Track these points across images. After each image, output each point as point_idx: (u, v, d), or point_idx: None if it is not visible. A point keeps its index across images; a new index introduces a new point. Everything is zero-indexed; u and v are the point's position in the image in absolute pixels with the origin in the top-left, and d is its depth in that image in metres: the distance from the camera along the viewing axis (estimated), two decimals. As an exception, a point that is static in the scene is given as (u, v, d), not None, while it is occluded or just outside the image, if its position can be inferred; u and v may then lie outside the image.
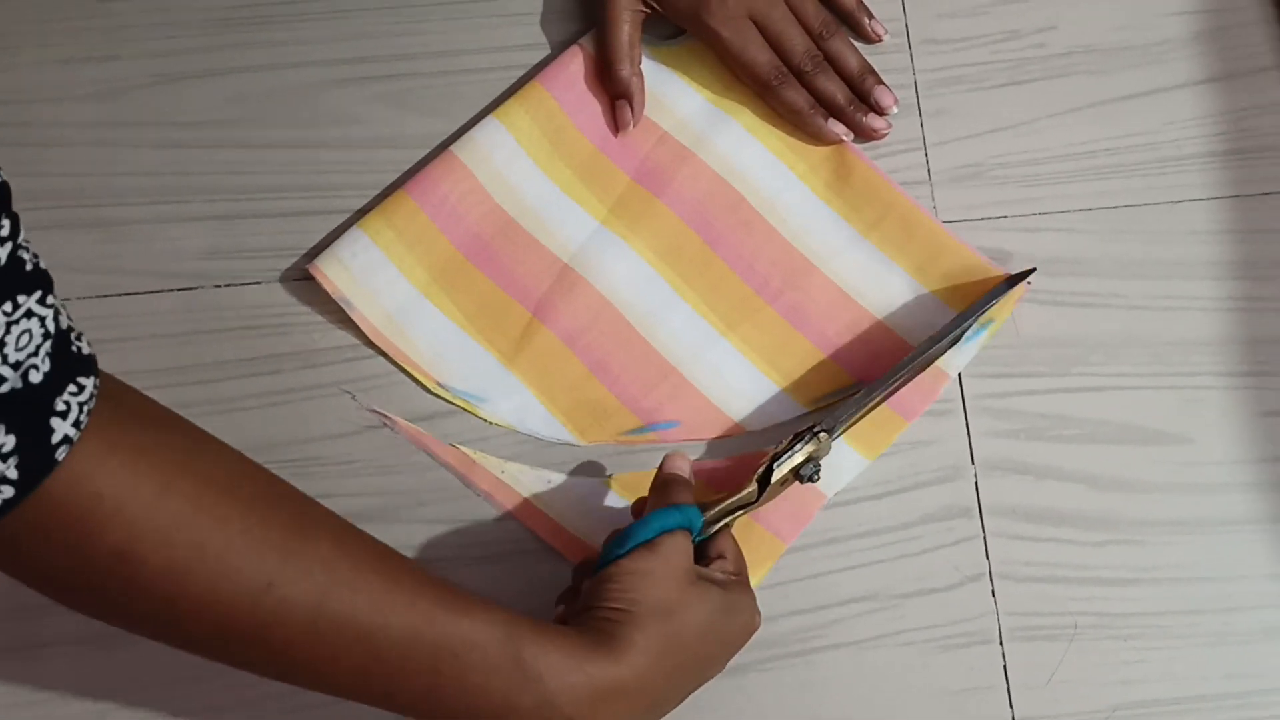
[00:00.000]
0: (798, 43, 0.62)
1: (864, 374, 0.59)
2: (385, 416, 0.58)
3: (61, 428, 0.38)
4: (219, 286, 0.60)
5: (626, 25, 0.61)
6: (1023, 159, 0.62)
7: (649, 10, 0.62)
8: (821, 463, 0.53)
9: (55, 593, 0.42)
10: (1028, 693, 0.55)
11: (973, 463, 0.58)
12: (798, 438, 0.53)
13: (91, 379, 0.39)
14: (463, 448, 0.58)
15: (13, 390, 0.37)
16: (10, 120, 0.63)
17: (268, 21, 0.65)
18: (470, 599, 0.45)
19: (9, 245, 0.37)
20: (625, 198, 0.62)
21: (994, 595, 0.56)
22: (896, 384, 0.56)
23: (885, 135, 0.62)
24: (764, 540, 0.56)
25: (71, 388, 0.38)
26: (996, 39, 0.64)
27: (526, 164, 0.62)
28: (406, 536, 0.56)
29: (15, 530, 0.38)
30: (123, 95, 0.63)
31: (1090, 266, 0.61)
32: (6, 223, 0.37)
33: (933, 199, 0.62)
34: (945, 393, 0.58)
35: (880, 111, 0.62)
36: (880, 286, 0.60)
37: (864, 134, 0.62)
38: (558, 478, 0.58)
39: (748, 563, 0.53)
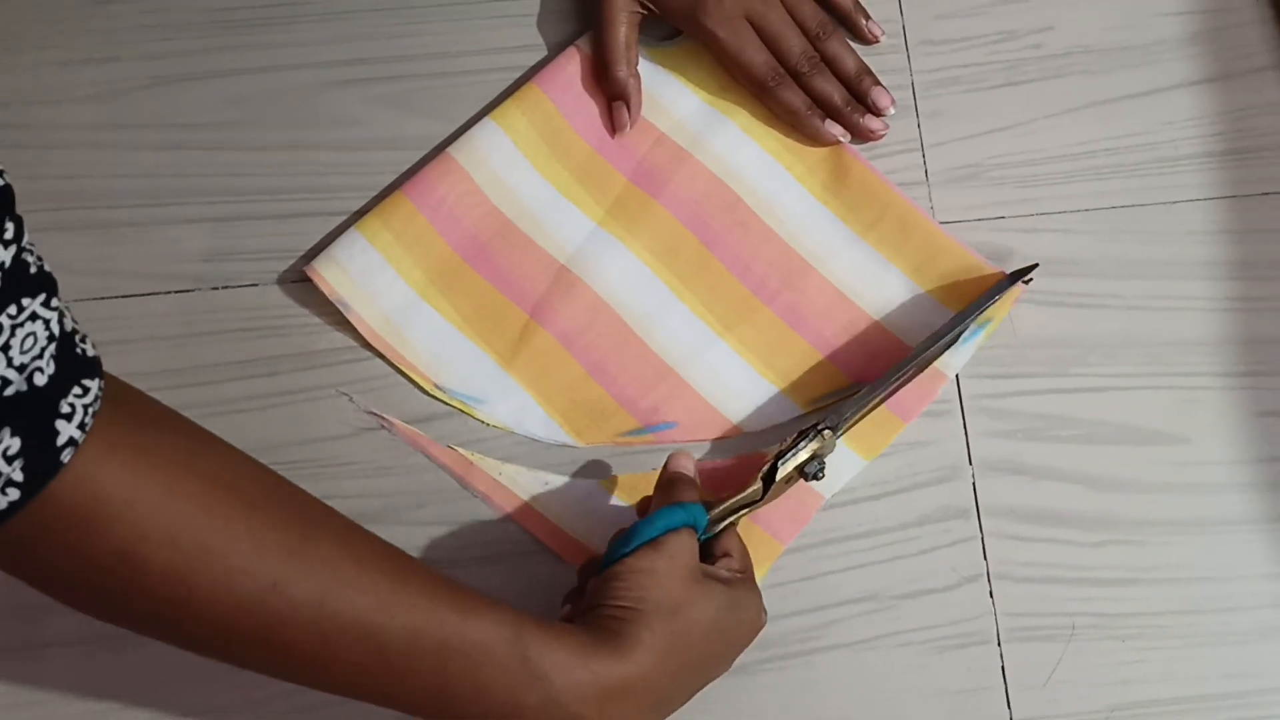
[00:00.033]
0: (794, 44, 0.62)
1: (861, 375, 0.59)
2: (383, 418, 0.58)
3: (66, 430, 0.38)
4: (216, 288, 0.60)
5: (623, 26, 0.62)
6: (1020, 160, 0.62)
7: (646, 11, 0.62)
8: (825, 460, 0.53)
9: (61, 593, 0.42)
10: (1026, 693, 0.55)
11: (970, 463, 0.58)
12: (802, 435, 0.53)
13: (96, 381, 0.39)
14: (460, 449, 0.58)
15: (18, 393, 0.37)
16: (8, 122, 0.63)
17: (265, 24, 0.65)
18: (476, 598, 0.45)
19: (13, 248, 0.37)
20: (622, 199, 0.62)
21: (992, 596, 0.56)
22: (900, 382, 0.56)
23: (882, 136, 0.62)
24: (762, 541, 0.56)
25: (76, 390, 0.39)
26: (993, 40, 0.65)
27: (524, 165, 0.62)
28: (404, 538, 0.56)
29: (21, 532, 0.38)
30: (121, 97, 0.63)
31: (1088, 267, 0.61)
32: (10, 226, 0.37)
33: (930, 200, 0.62)
34: (943, 393, 0.58)
35: (877, 112, 0.62)
36: (877, 287, 0.60)
37: (861, 135, 0.62)
38: (556, 479, 0.58)
39: (746, 563, 0.53)
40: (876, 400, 0.56)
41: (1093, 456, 0.58)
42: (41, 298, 0.38)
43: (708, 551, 0.52)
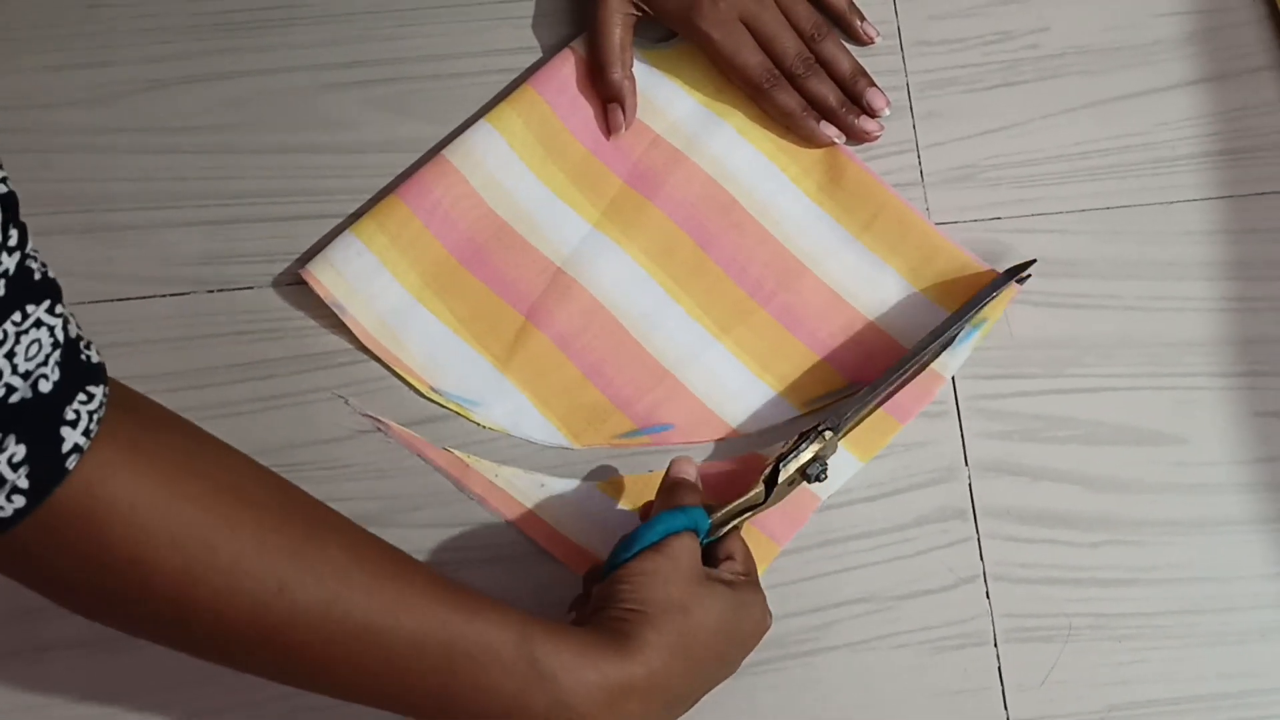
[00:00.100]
0: (789, 45, 0.62)
1: (857, 375, 0.59)
2: (379, 421, 0.58)
3: (72, 436, 0.38)
4: (212, 291, 0.60)
5: (618, 28, 0.62)
6: (1016, 160, 0.62)
7: (640, 13, 0.62)
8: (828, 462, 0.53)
9: (66, 598, 0.42)
10: (1023, 694, 0.55)
11: (967, 464, 0.58)
12: (803, 437, 0.53)
13: (101, 387, 0.40)
14: (457, 452, 0.58)
15: (23, 400, 0.37)
16: (5, 126, 0.63)
17: (260, 26, 0.65)
18: (482, 600, 0.45)
19: (17, 255, 0.37)
20: (618, 201, 0.62)
21: (988, 596, 0.56)
22: (899, 383, 0.56)
23: (878, 137, 0.62)
24: (759, 542, 0.56)
25: (81, 396, 0.39)
26: (989, 40, 0.64)
27: (519, 168, 0.62)
28: (401, 540, 0.55)
29: (27, 538, 0.38)
30: (116, 101, 0.63)
31: (1085, 267, 0.61)
32: (14, 232, 0.37)
33: (926, 201, 0.62)
34: (939, 394, 0.58)
35: (872, 113, 0.62)
36: (873, 288, 0.60)
37: (856, 136, 0.62)
38: (552, 481, 0.58)
39: (743, 564, 0.53)
40: (880, 399, 0.56)
41: (1090, 457, 0.58)
42: (46, 304, 0.38)
43: (711, 555, 0.52)
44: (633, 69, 0.63)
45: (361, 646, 0.43)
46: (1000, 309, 0.59)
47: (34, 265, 0.38)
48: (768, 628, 0.51)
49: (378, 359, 0.59)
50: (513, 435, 0.58)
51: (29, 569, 0.41)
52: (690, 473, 0.53)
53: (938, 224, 0.61)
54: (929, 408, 0.58)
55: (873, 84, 0.63)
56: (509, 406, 0.59)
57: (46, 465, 0.38)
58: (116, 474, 0.39)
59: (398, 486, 0.57)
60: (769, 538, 0.56)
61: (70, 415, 0.38)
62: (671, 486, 0.53)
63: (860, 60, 0.63)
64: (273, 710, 0.54)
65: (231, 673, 0.44)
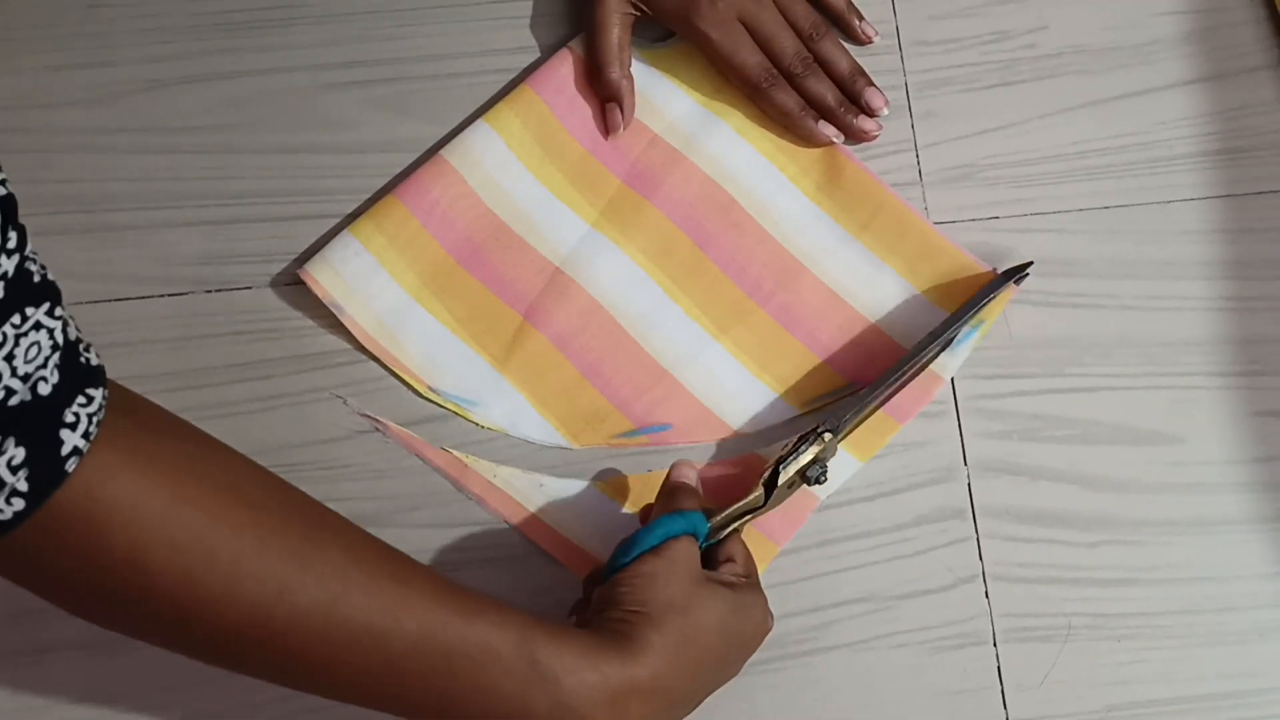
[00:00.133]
0: (788, 45, 0.62)
1: (856, 375, 0.59)
2: (377, 421, 0.58)
3: (71, 439, 0.38)
4: (210, 291, 0.60)
5: (616, 28, 0.61)
6: (1014, 160, 0.62)
7: (638, 13, 0.62)
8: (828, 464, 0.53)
9: (67, 601, 0.42)
10: (1022, 694, 0.55)
11: (966, 464, 0.58)
12: (802, 439, 0.53)
13: (100, 390, 0.39)
14: (455, 452, 0.58)
15: (22, 403, 0.37)
16: (4, 127, 0.63)
17: (260, 26, 0.65)
18: (484, 601, 0.45)
19: (16, 257, 0.37)
20: (616, 201, 0.62)
21: (988, 596, 0.56)
22: (898, 384, 0.56)
23: (876, 137, 0.62)
24: (757, 543, 0.56)
25: (80, 399, 0.39)
26: (987, 40, 0.65)
27: (517, 168, 0.62)
28: (400, 541, 0.55)
29: (27, 541, 0.38)
30: (116, 101, 0.63)
31: (1083, 267, 0.61)
32: (14, 235, 0.37)
33: (924, 200, 0.62)
34: (938, 394, 0.58)
35: (871, 113, 0.62)
36: (871, 287, 0.60)
37: (855, 136, 0.62)
38: (551, 481, 0.58)
39: (742, 565, 0.53)
40: (876, 403, 0.56)
41: (1088, 457, 0.58)
42: (45, 307, 0.38)
43: (711, 558, 0.52)
44: (631, 68, 0.63)
45: (362, 648, 0.42)
46: (998, 310, 0.59)
47: (33, 267, 0.38)
48: (769, 629, 0.51)
49: (376, 359, 0.59)
50: (511, 435, 0.58)
51: (28, 571, 0.41)
52: (690, 476, 0.53)
53: (936, 223, 0.61)
54: (928, 407, 0.58)
55: (871, 83, 0.63)
56: (507, 406, 0.59)
57: (46, 468, 0.38)
58: (116, 476, 0.39)
59: (396, 486, 0.57)
60: (768, 537, 0.56)
61: (70, 418, 0.38)
62: (671, 490, 0.53)
63: (859, 60, 0.63)
64: (272, 711, 0.54)
65: (230, 674, 0.44)
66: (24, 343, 0.37)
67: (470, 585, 0.46)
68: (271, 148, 0.63)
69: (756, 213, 0.61)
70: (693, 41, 0.63)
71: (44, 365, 0.38)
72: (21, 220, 0.38)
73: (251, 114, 0.63)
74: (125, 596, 0.41)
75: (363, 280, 0.59)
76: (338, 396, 0.59)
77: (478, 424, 0.58)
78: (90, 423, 0.39)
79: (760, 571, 0.56)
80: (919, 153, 0.63)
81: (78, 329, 0.40)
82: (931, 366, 0.58)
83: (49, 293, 0.38)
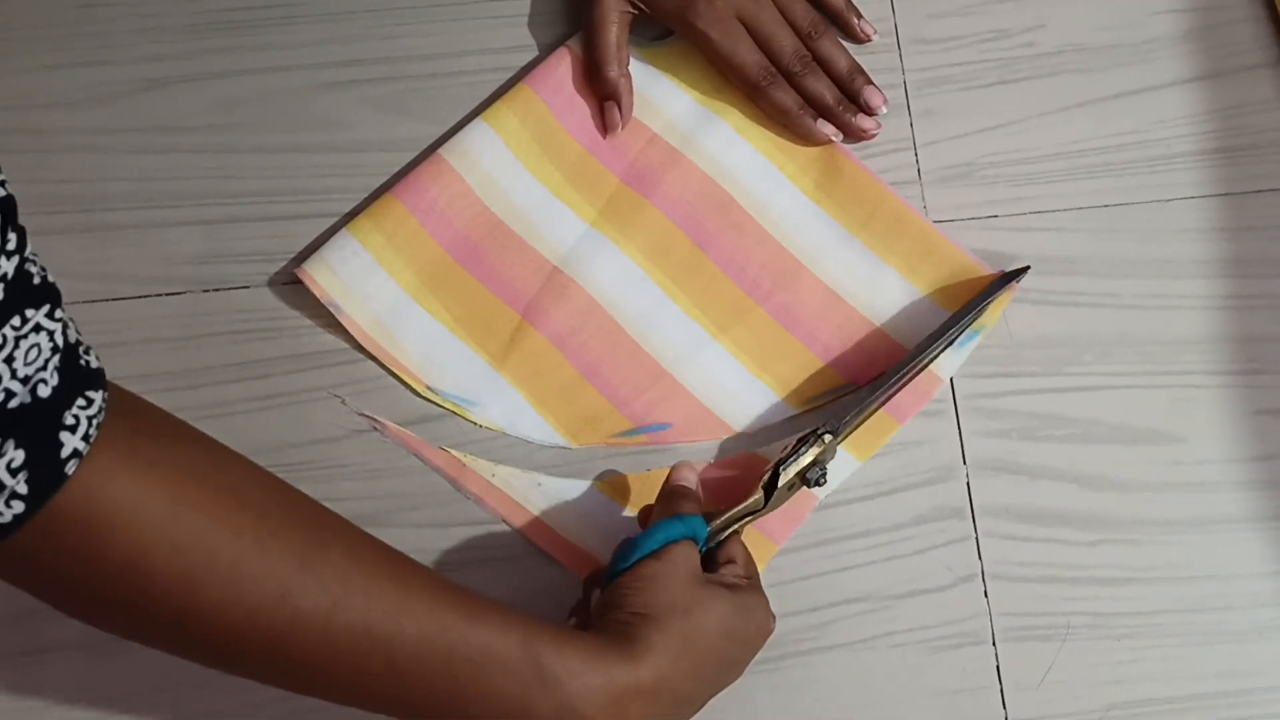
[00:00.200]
0: (786, 43, 0.62)
1: (855, 375, 0.59)
2: (375, 420, 0.58)
3: (71, 442, 0.38)
4: (208, 291, 0.60)
5: (614, 26, 0.61)
6: (1013, 158, 0.62)
7: (636, 11, 0.62)
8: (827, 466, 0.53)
9: (67, 605, 0.42)
10: (1021, 693, 0.55)
11: (965, 463, 0.58)
12: (802, 441, 0.53)
13: (100, 392, 0.39)
14: (453, 451, 0.58)
15: (22, 405, 0.37)
16: (2, 126, 0.63)
17: (257, 25, 0.65)
18: (486, 604, 0.45)
19: (16, 259, 0.37)
20: (615, 200, 0.62)
21: (987, 596, 0.56)
22: (898, 385, 0.56)
23: (875, 135, 0.62)
24: (757, 542, 0.56)
25: (80, 401, 0.38)
26: (985, 38, 0.64)
27: (515, 167, 0.61)
28: (398, 541, 0.55)
29: (27, 544, 0.38)
30: (113, 101, 0.63)
31: (1081, 266, 0.61)
32: (13, 236, 0.37)
33: (923, 199, 0.62)
34: (937, 393, 0.58)
35: (870, 112, 0.62)
36: (870, 286, 0.60)
37: (853, 134, 0.62)
38: (549, 481, 0.57)
39: (741, 564, 0.53)
40: (875, 404, 0.56)
41: (1087, 456, 0.58)
42: (45, 309, 0.38)
43: (711, 559, 0.52)
44: (629, 67, 0.63)
45: (365, 653, 0.42)
46: (997, 313, 0.59)
47: (33, 269, 0.38)
48: (771, 630, 0.51)
49: (374, 358, 0.59)
50: (509, 435, 0.58)
51: (28, 574, 0.40)
52: (690, 479, 0.53)
53: (935, 222, 0.61)
54: (927, 407, 0.58)
55: (870, 82, 0.63)
56: (505, 406, 0.59)
57: (46, 470, 0.38)
58: (116, 479, 0.39)
59: (394, 486, 0.57)
60: (767, 537, 0.56)
61: (69, 420, 0.38)
62: (670, 494, 0.53)
63: (857, 58, 0.63)
64: (272, 711, 0.54)
65: (229, 675, 0.44)
66: (24, 345, 0.37)
67: (469, 585, 0.46)
68: (270, 147, 0.63)
69: (755, 212, 0.61)
70: (691, 40, 0.63)
71: (44, 368, 0.38)
72: (20, 222, 0.38)
73: (249, 113, 0.63)
74: (125, 599, 0.40)
75: (360, 279, 0.59)
76: (336, 396, 0.59)
77: (476, 423, 0.58)
78: (90, 425, 0.39)
79: (760, 571, 0.56)
80: (918, 151, 0.63)
81: (77, 331, 0.40)
82: (931, 367, 0.58)
83: (49, 295, 0.38)
